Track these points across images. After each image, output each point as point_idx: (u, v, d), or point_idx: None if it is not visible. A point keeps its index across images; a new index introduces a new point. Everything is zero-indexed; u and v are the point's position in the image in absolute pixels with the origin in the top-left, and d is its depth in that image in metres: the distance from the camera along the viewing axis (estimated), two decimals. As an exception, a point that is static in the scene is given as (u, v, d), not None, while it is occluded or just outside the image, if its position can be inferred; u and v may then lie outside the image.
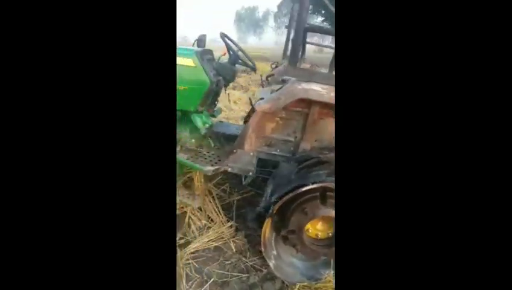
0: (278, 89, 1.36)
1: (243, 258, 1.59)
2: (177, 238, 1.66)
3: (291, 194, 1.26)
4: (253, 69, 1.77)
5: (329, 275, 1.44)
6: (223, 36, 1.71)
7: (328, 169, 1.29)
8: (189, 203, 1.72)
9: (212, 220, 1.83)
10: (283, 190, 1.28)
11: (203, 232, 1.72)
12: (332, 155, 1.34)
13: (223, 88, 1.87)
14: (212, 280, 1.43)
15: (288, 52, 2.18)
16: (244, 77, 6.62)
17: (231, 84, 3.08)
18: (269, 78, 2.03)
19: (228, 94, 2.14)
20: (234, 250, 1.63)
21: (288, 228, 1.38)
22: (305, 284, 1.44)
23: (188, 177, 2.09)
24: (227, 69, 1.72)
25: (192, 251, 1.58)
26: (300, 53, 2.22)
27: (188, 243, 1.65)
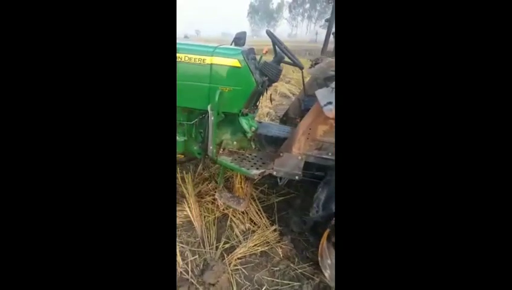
0: None
1: (291, 265, 1.54)
2: (222, 243, 1.64)
3: None
4: (301, 67, 1.68)
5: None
6: (270, 34, 1.63)
7: None
8: (234, 206, 1.69)
9: (255, 223, 1.80)
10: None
11: (248, 236, 1.69)
12: None
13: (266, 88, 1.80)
14: (264, 288, 1.39)
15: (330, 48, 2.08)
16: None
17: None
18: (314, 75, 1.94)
19: (270, 95, 2.07)
20: (281, 255, 1.59)
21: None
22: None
23: (227, 180, 2.06)
24: (272, 69, 1.64)
25: (239, 256, 1.55)
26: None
27: (232, 247, 1.63)
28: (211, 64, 1.55)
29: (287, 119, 2.22)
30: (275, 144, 1.81)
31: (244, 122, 1.62)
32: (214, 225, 1.78)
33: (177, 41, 1.59)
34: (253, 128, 1.62)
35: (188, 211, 1.80)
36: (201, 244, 1.64)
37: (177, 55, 1.54)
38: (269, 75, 1.65)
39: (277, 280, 1.45)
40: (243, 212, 1.83)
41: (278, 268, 1.52)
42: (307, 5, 52.68)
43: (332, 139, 1.48)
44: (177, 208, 1.85)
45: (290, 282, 1.44)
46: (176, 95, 0.79)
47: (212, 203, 1.96)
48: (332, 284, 1.38)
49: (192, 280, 1.38)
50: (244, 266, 1.51)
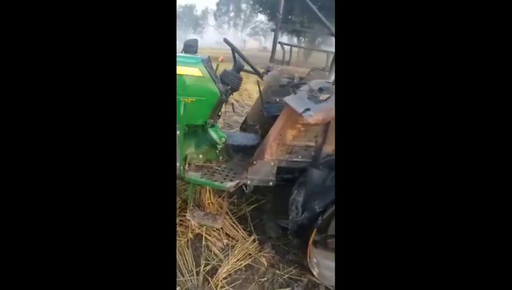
0: (327, 98, 1.30)
1: (277, 271, 1.53)
2: (202, 266, 1.51)
3: None
4: (260, 76, 1.70)
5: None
6: (227, 42, 1.60)
7: None
8: (210, 224, 1.58)
9: (232, 237, 1.73)
10: (327, 198, 1.27)
11: (228, 252, 1.61)
12: None
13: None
14: (257, 302, 1.35)
15: (278, 56, 2.17)
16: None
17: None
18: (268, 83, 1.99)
19: (232, 104, 2.02)
20: (266, 264, 1.57)
21: (327, 233, 1.38)
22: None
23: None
24: (233, 77, 1.62)
25: (224, 275, 1.46)
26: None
27: (214, 268, 1.52)
28: None
29: (247, 126, 2.22)
30: (243, 153, 1.78)
31: (213, 133, 1.54)
32: (188, 248, 1.63)
33: None
34: (223, 140, 1.56)
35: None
36: (179, 272, 1.48)
37: None
38: (230, 83, 1.62)
39: (268, 291, 1.42)
40: (217, 229, 1.73)
41: (265, 278, 1.49)
42: (231, 14, 54.13)
43: (301, 143, 1.54)
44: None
45: (281, 289, 1.43)
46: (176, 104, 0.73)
47: (180, 225, 1.80)
48: (322, 281, 1.43)
49: (180, 316, 1.23)
50: (232, 285, 1.43)
